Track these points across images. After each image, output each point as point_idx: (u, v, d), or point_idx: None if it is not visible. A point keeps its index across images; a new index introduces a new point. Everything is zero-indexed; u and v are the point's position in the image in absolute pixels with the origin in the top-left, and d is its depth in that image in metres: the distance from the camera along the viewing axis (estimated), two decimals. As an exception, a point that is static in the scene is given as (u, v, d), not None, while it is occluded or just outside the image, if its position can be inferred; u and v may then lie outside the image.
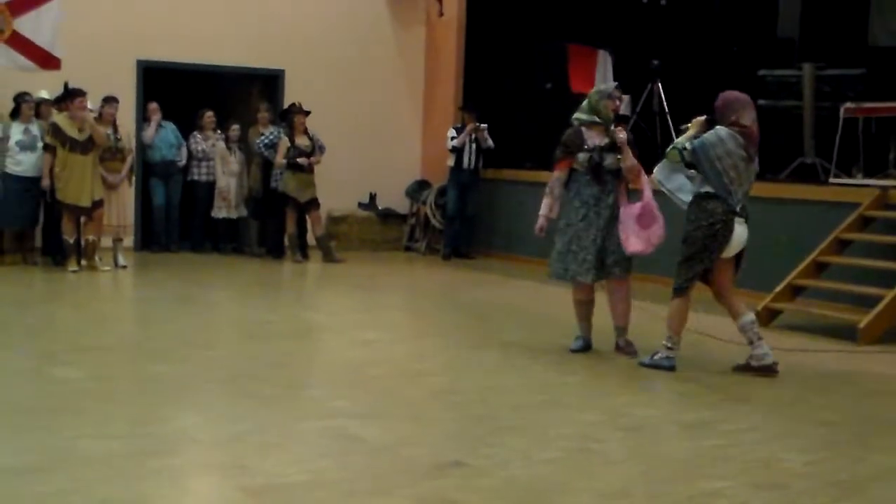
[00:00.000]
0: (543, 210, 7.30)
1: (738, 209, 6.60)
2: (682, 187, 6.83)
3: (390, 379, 6.58)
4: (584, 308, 7.44)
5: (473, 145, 12.99)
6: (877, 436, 5.58)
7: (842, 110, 10.79)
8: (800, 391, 6.53)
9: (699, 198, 6.65)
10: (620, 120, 7.32)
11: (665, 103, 12.76)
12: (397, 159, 14.26)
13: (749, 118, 6.64)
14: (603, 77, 13.75)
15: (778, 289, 8.90)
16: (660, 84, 12.71)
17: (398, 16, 14.35)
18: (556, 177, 7.28)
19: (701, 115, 6.87)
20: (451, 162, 13.09)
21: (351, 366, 7.00)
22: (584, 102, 7.30)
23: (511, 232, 13.32)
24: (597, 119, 7.15)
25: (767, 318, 8.74)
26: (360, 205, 14.06)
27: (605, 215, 7.12)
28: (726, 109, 6.65)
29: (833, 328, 8.43)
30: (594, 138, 7.15)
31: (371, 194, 14.06)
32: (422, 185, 14.19)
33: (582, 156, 7.14)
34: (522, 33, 13.67)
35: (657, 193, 7.09)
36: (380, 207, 14.09)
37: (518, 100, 13.78)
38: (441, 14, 14.23)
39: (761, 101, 10.02)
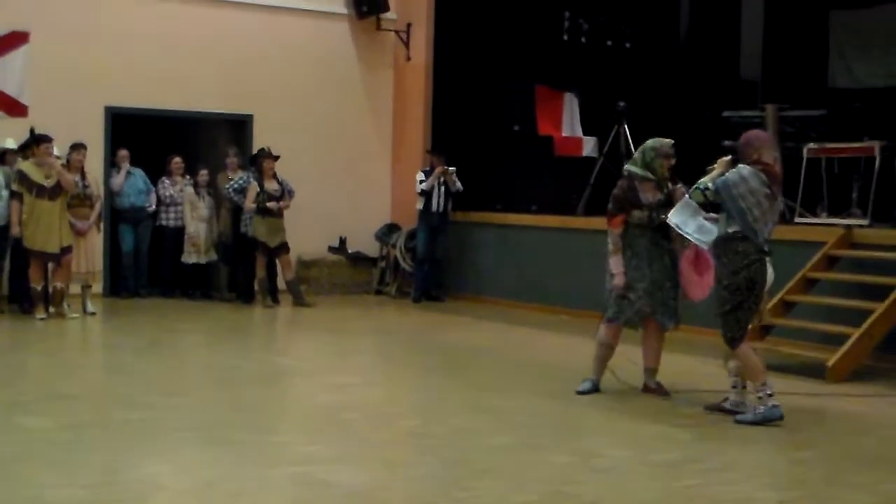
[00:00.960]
0: (619, 268, 7.20)
1: (765, 248, 6.55)
2: (702, 228, 6.77)
3: (362, 423, 6.55)
4: (608, 352, 7.43)
5: (442, 188, 13.04)
6: (850, 473, 5.61)
7: (805, 150, 10.93)
8: (771, 429, 6.54)
9: (728, 240, 6.56)
10: (674, 176, 7.27)
11: (632, 144, 12.88)
12: (367, 203, 14.28)
13: (770, 156, 6.61)
14: (570, 119, 13.90)
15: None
16: (626, 125, 12.84)
17: (366, 60, 14.44)
18: (616, 234, 7.23)
19: (724, 156, 6.79)
20: (420, 205, 13.13)
21: (322, 410, 6.96)
22: (638, 156, 7.32)
23: (481, 274, 13.35)
24: (650, 176, 7.18)
25: (737, 356, 8.77)
26: (330, 248, 14.05)
27: (656, 266, 7.19)
28: (748, 148, 6.63)
29: (802, 367, 8.48)
30: (647, 194, 7.19)
31: (341, 238, 14.05)
32: (391, 228, 14.20)
33: (637, 213, 7.17)
34: (489, 76, 13.79)
35: None
36: (350, 251, 14.08)
37: (486, 142, 13.87)
38: (409, 58, 14.33)
39: (726, 142, 10.12)
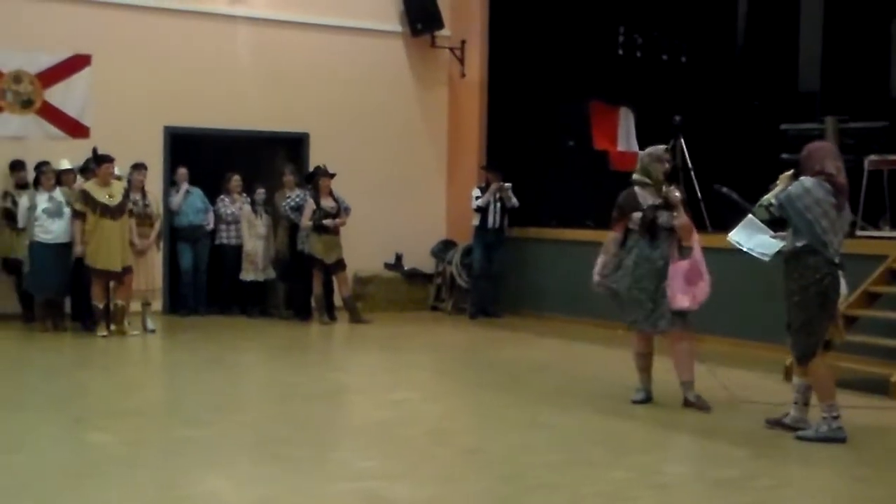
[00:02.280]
0: (598, 269, 7.52)
1: (836, 261, 6.40)
2: (763, 244, 6.73)
3: (419, 439, 6.57)
4: (644, 360, 7.57)
5: (498, 204, 13.05)
6: (912, 491, 5.51)
7: (866, 163, 10.78)
8: (831, 446, 6.43)
9: (797, 254, 6.41)
10: (673, 180, 7.45)
11: (688, 159, 12.79)
12: (422, 219, 14.34)
13: (833, 166, 6.45)
14: (626, 134, 13.85)
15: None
16: (682, 140, 12.75)
17: (421, 77, 14.53)
18: (612, 236, 7.54)
19: (786, 171, 6.73)
20: (476, 221, 13.15)
21: (379, 426, 6.99)
22: (638, 164, 7.60)
23: (538, 290, 13.32)
24: (648, 180, 7.41)
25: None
26: (386, 265, 14.12)
27: (657, 270, 7.29)
28: (809, 160, 6.52)
29: (865, 382, 8.34)
30: (648, 198, 7.40)
31: (397, 254, 14.12)
32: (447, 244, 14.24)
33: (636, 215, 7.36)
34: (544, 92, 13.78)
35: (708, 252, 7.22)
36: (406, 267, 14.14)
37: (541, 158, 13.86)
38: (463, 75, 14.39)
39: (784, 155, 10.02)
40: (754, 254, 6.76)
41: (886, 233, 10.32)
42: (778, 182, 6.68)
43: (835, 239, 6.41)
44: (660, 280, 7.28)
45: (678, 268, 7.23)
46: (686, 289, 7.18)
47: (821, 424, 6.49)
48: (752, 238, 6.74)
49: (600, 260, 7.53)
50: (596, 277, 7.52)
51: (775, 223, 6.63)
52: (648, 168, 7.45)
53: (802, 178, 6.48)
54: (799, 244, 6.40)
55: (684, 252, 7.26)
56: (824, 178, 6.41)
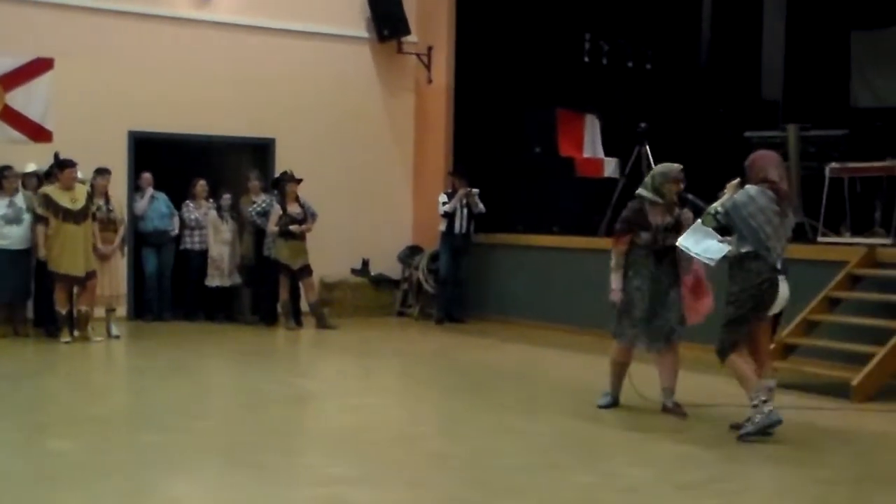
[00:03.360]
0: (616, 285, 7.37)
1: (778, 266, 6.61)
2: (710, 249, 6.82)
3: (386, 444, 6.57)
4: (622, 369, 7.59)
5: (465, 210, 13.07)
6: (874, 493, 5.58)
7: (827, 170, 10.91)
8: (795, 450, 6.52)
9: (741, 259, 6.63)
10: (684, 202, 7.37)
11: (653, 165, 12.86)
12: (389, 225, 14.34)
13: (776, 174, 6.67)
14: (592, 141, 13.93)
15: (770, 347, 8.90)
16: (647, 147, 12.84)
17: (387, 83, 14.52)
18: (619, 251, 7.39)
19: (733, 179, 6.86)
20: (442, 227, 13.16)
21: (346, 432, 6.97)
22: (648, 180, 7.44)
23: (504, 296, 13.35)
24: (660, 200, 7.29)
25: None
26: (353, 271, 14.10)
27: (660, 288, 7.29)
28: (753, 168, 6.73)
29: (826, 386, 8.44)
30: (656, 217, 7.31)
31: (363, 260, 14.10)
32: (414, 250, 14.24)
33: (645, 235, 7.28)
34: (510, 98, 13.83)
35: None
36: (372, 273, 14.12)
37: (508, 164, 13.90)
38: (430, 81, 14.41)
39: (747, 162, 10.12)
40: (701, 258, 6.89)
41: (847, 239, 10.45)
42: (725, 190, 6.84)
43: (777, 245, 6.64)
44: (666, 297, 7.27)
45: (685, 283, 7.24)
46: (693, 304, 7.20)
47: (754, 415, 6.64)
48: (700, 243, 6.88)
49: (615, 276, 7.35)
50: (618, 294, 7.32)
51: (722, 230, 6.76)
52: (661, 189, 7.26)
53: (747, 186, 6.69)
54: (743, 250, 6.62)
55: (686, 267, 7.20)
56: (768, 185, 6.62)
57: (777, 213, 6.61)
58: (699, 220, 6.88)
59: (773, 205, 6.59)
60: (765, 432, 6.58)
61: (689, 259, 7.14)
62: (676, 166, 7.39)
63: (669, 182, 7.27)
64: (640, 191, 7.42)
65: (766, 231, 6.57)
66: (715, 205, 6.79)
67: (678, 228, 7.18)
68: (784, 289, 6.67)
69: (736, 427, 6.86)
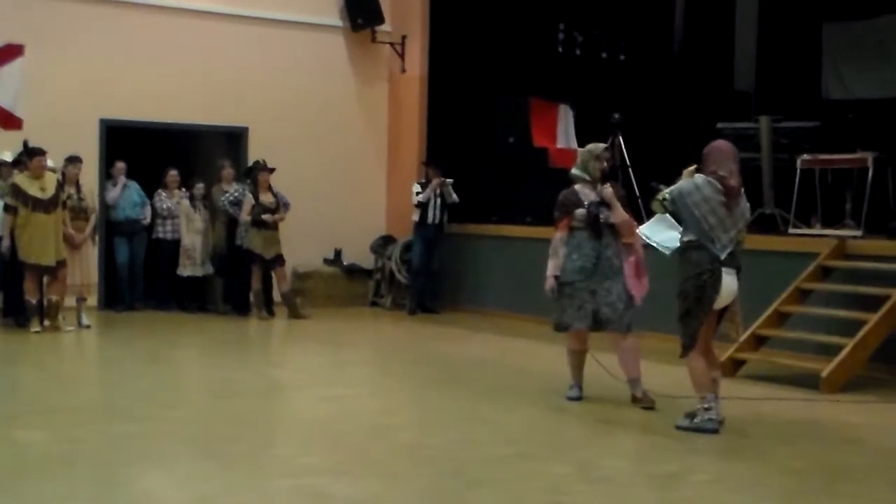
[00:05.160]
0: (551, 270, 7.46)
1: (722, 257, 6.59)
2: (668, 239, 6.87)
3: (359, 435, 6.56)
4: (579, 357, 7.62)
5: (438, 200, 13.06)
6: (843, 483, 5.63)
7: (799, 162, 10.98)
8: (765, 440, 6.57)
9: (684, 249, 6.66)
10: (612, 178, 7.52)
11: (626, 156, 12.94)
12: (362, 215, 14.30)
13: (727, 170, 6.64)
14: (565, 131, 13.93)
15: (742, 339, 8.96)
16: (621, 137, 12.88)
17: (361, 72, 14.48)
18: (558, 237, 7.50)
19: (668, 165, 6.98)
20: (416, 217, 13.15)
21: (319, 423, 6.97)
22: (577, 159, 7.67)
23: (477, 286, 13.37)
24: (587, 177, 7.47)
25: (732, 368, 8.80)
26: (326, 261, 14.06)
27: (603, 268, 7.34)
28: (707, 159, 6.73)
29: (796, 377, 8.51)
30: (589, 195, 7.45)
31: (336, 250, 14.06)
32: (387, 240, 14.22)
33: (579, 212, 7.40)
34: (484, 88, 13.83)
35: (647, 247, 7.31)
36: (345, 263, 14.09)
37: (481, 154, 13.90)
38: (404, 70, 14.38)
39: (705, 151, 10.18)
40: (658, 247, 6.94)
41: (817, 231, 10.52)
42: (682, 177, 6.87)
43: (724, 236, 6.61)
44: (609, 280, 7.32)
45: (629, 264, 7.35)
46: (637, 283, 7.31)
47: (697, 414, 6.70)
48: (659, 233, 6.94)
49: (552, 263, 7.46)
50: (551, 281, 7.42)
51: (670, 217, 6.83)
52: (587, 166, 7.50)
53: (696, 175, 6.72)
54: (686, 238, 6.65)
55: (628, 250, 7.32)
56: (716, 178, 6.62)
57: (722, 205, 6.58)
58: (650, 204, 6.96)
59: (719, 196, 6.57)
60: (695, 430, 6.62)
61: (633, 244, 7.27)
62: (601, 145, 7.76)
63: (593, 160, 7.51)
64: (573, 170, 7.63)
65: (710, 221, 6.55)
66: (665, 191, 6.82)
67: (603, 202, 7.35)
68: (729, 282, 6.62)
69: (690, 415, 6.87)
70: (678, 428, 6.69)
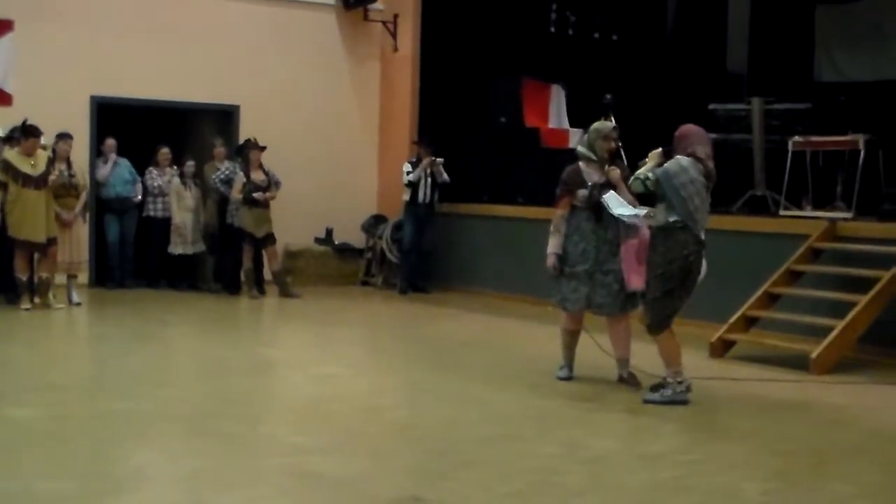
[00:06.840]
0: (553, 248, 7.41)
1: (702, 237, 6.70)
2: (628, 213, 7.00)
3: (349, 414, 6.57)
4: (571, 337, 7.62)
5: (429, 179, 13.04)
6: (832, 464, 5.66)
7: (790, 144, 11.00)
8: (755, 421, 6.61)
9: (668, 229, 6.69)
10: (617, 158, 7.44)
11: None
12: (353, 194, 14.29)
13: (703, 151, 6.75)
14: (557, 111, 13.92)
15: (732, 320, 9.00)
16: (613, 118, 12.84)
17: (353, 51, 14.43)
18: (559, 215, 7.45)
19: (656, 147, 6.99)
20: (406, 196, 13.13)
21: (309, 401, 6.98)
22: (584, 137, 7.53)
23: (468, 266, 13.37)
24: (593, 157, 7.34)
25: (722, 349, 8.85)
26: (317, 240, 14.05)
27: (603, 250, 7.29)
28: (682, 141, 6.80)
29: (786, 358, 8.54)
30: (593, 175, 7.34)
31: (327, 229, 14.05)
32: (378, 219, 14.21)
33: (581, 192, 7.31)
34: (476, 67, 13.80)
35: None
36: (336, 242, 14.08)
37: (473, 134, 13.88)
38: (396, 49, 14.33)
39: (712, 135, 10.17)
40: (623, 218, 6.98)
41: (808, 212, 10.54)
42: (647, 159, 6.93)
43: (702, 218, 6.71)
44: (607, 261, 7.25)
45: (629, 247, 7.16)
46: (638, 269, 7.10)
47: (667, 388, 6.83)
48: (619, 206, 7.04)
49: (553, 240, 7.40)
50: (552, 258, 7.36)
51: (647, 197, 6.86)
52: (594, 146, 7.34)
53: (679, 156, 6.75)
54: (671, 219, 6.68)
55: (631, 232, 7.14)
56: (696, 160, 6.68)
57: (706, 187, 6.69)
58: (629, 184, 6.97)
59: (702, 177, 6.66)
60: (669, 403, 6.75)
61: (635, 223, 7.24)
62: (609, 124, 7.58)
63: (601, 139, 7.34)
64: (579, 148, 7.53)
65: (695, 203, 6.63)
66: (641, 171, 6.85)
67: (609, 184, 7.24)
68: (703, 264, 6.77)
69: (656, 388, 6.95)
70: (646, 402, 6.83)
